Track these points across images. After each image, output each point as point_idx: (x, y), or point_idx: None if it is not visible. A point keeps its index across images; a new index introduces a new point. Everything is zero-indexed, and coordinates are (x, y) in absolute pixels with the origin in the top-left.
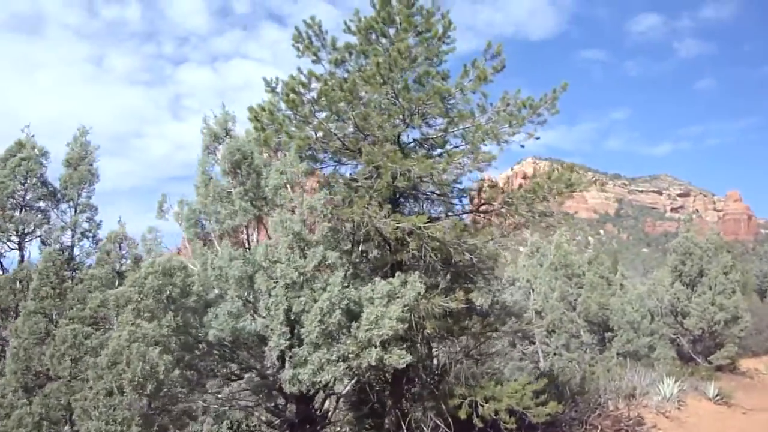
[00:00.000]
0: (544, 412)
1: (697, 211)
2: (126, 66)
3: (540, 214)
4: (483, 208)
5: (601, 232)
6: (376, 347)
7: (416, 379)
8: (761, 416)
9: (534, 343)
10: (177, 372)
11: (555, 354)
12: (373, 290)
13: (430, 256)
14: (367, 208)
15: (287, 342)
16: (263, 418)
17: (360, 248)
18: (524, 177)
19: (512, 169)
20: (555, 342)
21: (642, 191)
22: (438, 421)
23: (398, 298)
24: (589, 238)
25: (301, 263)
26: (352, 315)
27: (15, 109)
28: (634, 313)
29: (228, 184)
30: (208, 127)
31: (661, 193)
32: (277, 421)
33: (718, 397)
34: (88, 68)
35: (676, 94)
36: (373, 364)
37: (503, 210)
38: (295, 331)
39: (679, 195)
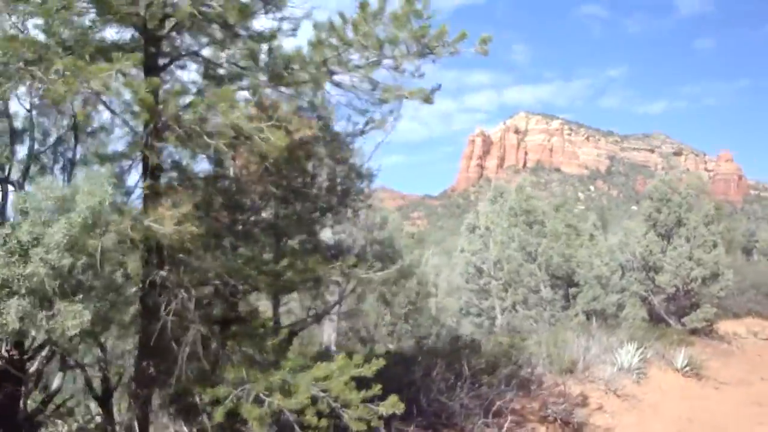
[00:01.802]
0: (370, 414)
1: (688, 169)
2: None
3: None
4: None
5: (591, 188)
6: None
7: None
8: (736, 392)
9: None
10: None
11: (509, 311)
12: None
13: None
14: None
15: None
16: None
17: None
18: (516, 131)
19: (504, 123)
20: (511, 297)
21: (634, 149)
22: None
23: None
24: (579, 193)
25: None
26: None
27: None
28: (603, 267)
29: None
30: None
31: (653, 151)
32: None
33: (687, 368)
34: None
35: (675, 52)
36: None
37: None
38: None
39: (672, 153)
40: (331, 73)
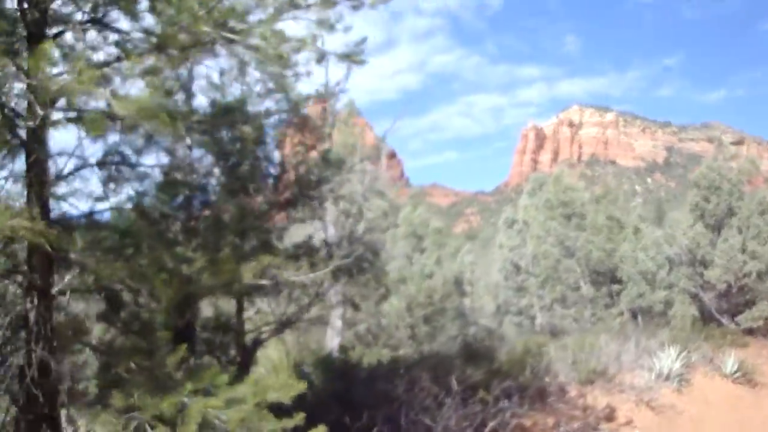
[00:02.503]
0: None
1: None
2: None
3: None
4: None
5: (649, 180)
6: None
7: None
8: None
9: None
10: None
11: (548, 309)
12: None
13: None
14: None
15: None
16: None
17: None
18: (570, 124)
19: (557, 117)
20: (548, 295)
21: (692, 139)
22: None
23: None
24: (636, 186)
25: None
26: None
27: None
28: (648, 262)
29: None
30: None
31: (712, 141)
32: None
33: (738, 373)
34: None
35: (733, 37)
36: None
37: None
38: None
39: (732, 143)
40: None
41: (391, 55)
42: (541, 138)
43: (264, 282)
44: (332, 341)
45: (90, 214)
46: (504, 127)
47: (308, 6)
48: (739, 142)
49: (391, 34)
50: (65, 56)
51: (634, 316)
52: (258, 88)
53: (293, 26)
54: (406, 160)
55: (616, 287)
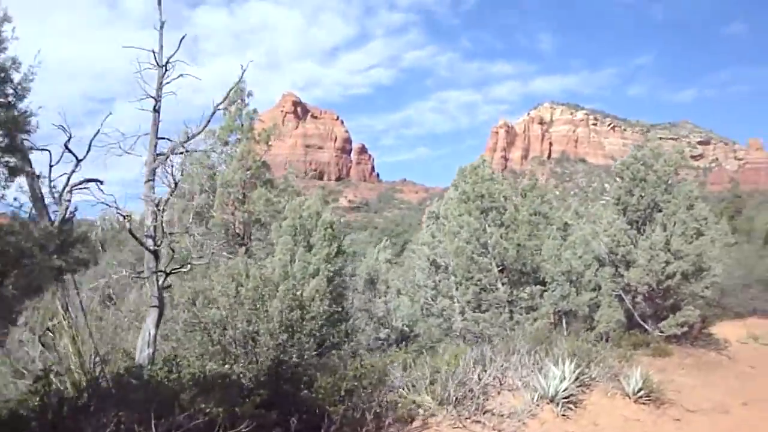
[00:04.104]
0: None
1: (717, 159)
2: (140, 9)
3: None
4: None
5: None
6: None
7: None
8: (702, 426)
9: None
10: None
11: (461, 312)
12: None
13: None
14: None
15: None
16: None
17: None
18: (541, 122)
19: (529, 114)
20: (461, 296)
21: (661, 138)
22: None
23: None
24: (606, 184)
25: None
26: None
27: (28, 52)
28: (574, 261)
29: None
30: None
31: (676, 139)
32: None
33: (641, 393)
34: (102, 11)
35: (704, 38)
36: None
37: None
38: None
39: (699, 143)
40: None
41: (364, 50)
42: (512, 135)
43: None
44: (143, 352)
45: None
46: (477, 124)
47: None
48: (705, 142)
49: (364, 29)
50: None
51: (560, 319)
52: None
53: None
54: (378, 155)
55: (537, 288)
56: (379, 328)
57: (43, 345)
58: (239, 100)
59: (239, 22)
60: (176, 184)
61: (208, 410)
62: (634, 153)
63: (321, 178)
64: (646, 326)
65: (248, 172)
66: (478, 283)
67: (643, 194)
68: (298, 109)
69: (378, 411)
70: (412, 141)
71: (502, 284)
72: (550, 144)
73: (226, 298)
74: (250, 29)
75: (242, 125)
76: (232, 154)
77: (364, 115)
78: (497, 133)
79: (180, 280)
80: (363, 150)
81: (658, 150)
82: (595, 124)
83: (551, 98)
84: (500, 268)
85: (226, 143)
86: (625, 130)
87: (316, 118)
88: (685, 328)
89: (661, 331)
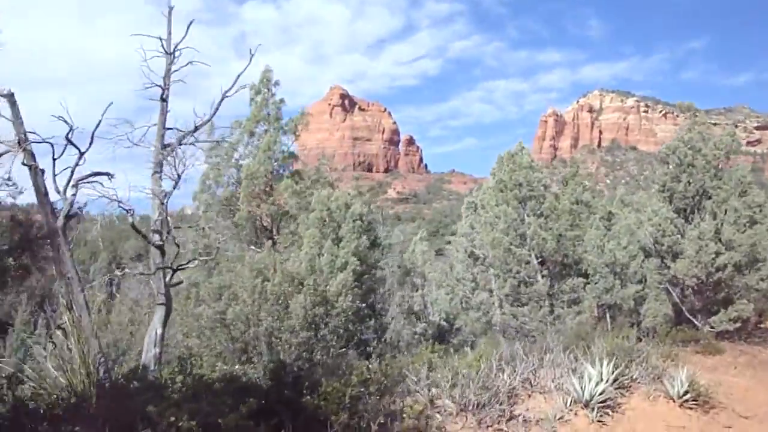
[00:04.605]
0: None
1: None
2: (188, 6)
3: None
4: None
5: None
6: None
7: None
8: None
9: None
10: None
11: (499, 306)
12: None
13: None
14: None
15: None
16: None
17: None
18: (590, 110)
19: (578, 102)
20: (498, 290)
21: (716, 124)
22: None
23: None
24: (657, 172)
25: None
26: None
27: (80, 52)
28: (618, 252)
29: None
30: None
31: (736, 126)
32: None
33: (687, 396)
34: (150, 10)
35: (762, 18)
36: None
37: None
38: None
39: (757, 128)
40: None
41: (410, 41)
42: (561, 124)
43: None
44: (148, 353)
45: None
46: (525, 113)
47: None
48: (763, 127)
49: (410, 20)
50: None
51: (604, 314)
52: None
53: None
54: (426, 147)
55: (579, 281)
56: (415, 323)
57: (54, 345)
58: (265, 90)
59: (286, 16)
60: (179, 176)
61: (180, 424)
62: (680, 136)
63: (370, 170)
64: (696, 321)
65: (275, 163)
66: (517, 275)
67: (690, 180)
68: (346, 101)
69: (383, 421)
70: (459, 132)
71: (542, 276)
72: (600, 132)
73: (249, 294)
74: (297, 23)
75: (269, 115)
76: (258, 145)
77: (411, 107)
78: (546, 122)
79: (205, 275)
80: (411, 141)
81: (708, 133)
82: (646, 111)
83: (601, 85)
84: (540, 260)
85: (252, 134)
86: (677, 116)
87: (363, 110)
88: (739, 324)
89: (712, 327)
